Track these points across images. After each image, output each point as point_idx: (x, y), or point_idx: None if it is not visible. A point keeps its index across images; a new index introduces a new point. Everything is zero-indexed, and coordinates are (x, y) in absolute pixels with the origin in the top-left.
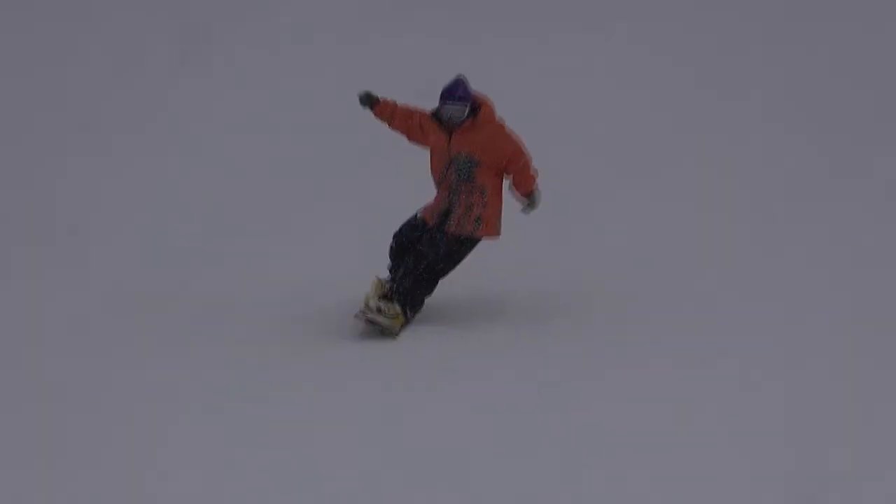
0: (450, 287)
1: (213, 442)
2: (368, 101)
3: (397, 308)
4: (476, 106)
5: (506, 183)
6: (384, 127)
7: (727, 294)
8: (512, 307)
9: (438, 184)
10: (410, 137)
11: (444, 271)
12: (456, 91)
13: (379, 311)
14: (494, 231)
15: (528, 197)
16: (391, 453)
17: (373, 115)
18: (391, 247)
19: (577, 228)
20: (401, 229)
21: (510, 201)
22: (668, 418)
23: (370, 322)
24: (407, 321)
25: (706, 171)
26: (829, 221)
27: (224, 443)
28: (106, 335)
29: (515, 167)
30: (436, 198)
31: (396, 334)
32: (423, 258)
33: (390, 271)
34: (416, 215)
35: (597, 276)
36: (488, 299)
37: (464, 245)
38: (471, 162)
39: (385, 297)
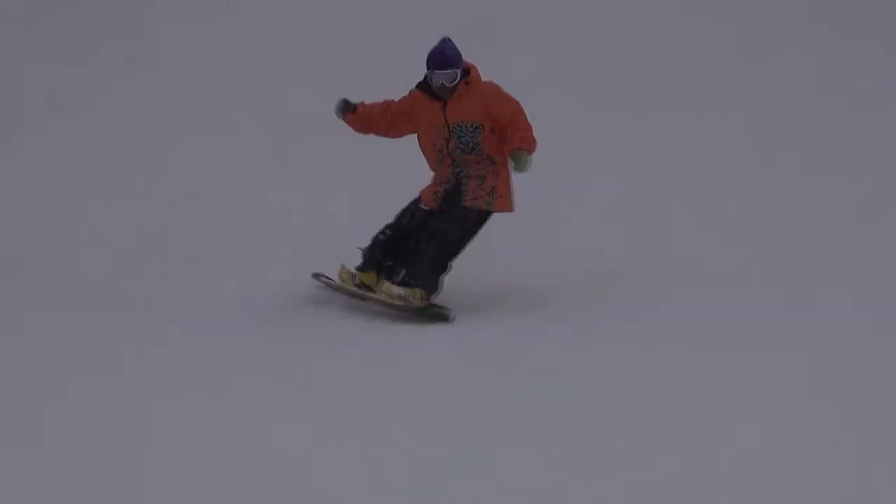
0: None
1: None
2: (347, 108)
3: (420, 292)
4: (465, 68)
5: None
6: (355, 133)
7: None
8: (516, 293)
9: (438, 163)
10: (394, 134)
11: (457, 250)
12: (445, 56)
13: (402, 298)
14: (508, 205)
15: (516, 153)
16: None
17: (346, 123)
18: (385, 235)
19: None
20: (398, 218)
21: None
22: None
23: (422, 311)
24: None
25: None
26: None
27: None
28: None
29: (513, 125)
30: (434, 179)
31: (453, 313)
32: (442, 239)
33: (365, 258)
34: (415, 202)
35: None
36: (493, 284)
37: (477, 221)
38: (473, 128)
39: (403, 283)
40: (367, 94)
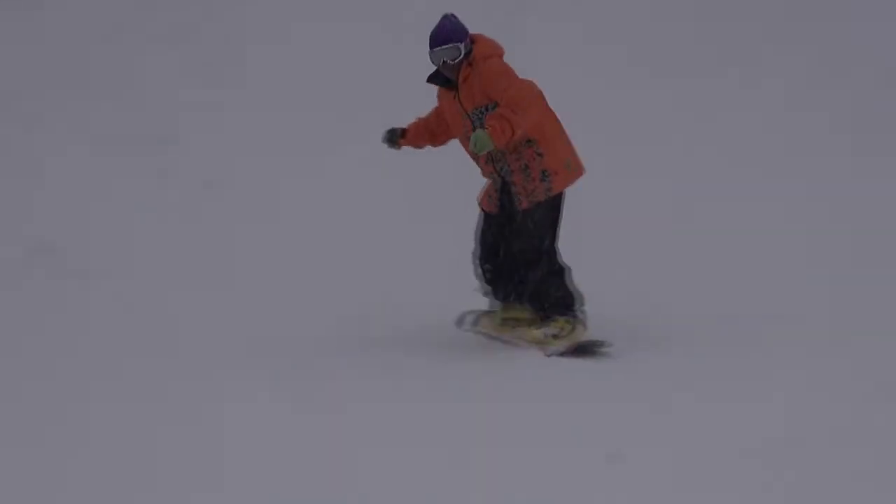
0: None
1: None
2: (395, 136)
3: (565, 319)
4: (471, 44)
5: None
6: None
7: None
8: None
9: (475, 158)
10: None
11: (552, 250)
12: (445, 31)
13: (555, 338)
14: (572, 175)
15: (480, 131)
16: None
17: (408, 147)
18: (488, 268)
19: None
20: (481, 243)
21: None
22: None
23: (577, 352)
24: (583, 322)
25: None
26: None
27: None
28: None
29: (500, 105)
30: (486, 184)
31: (608, 344)
32: (528, 256)
33: (495, 297)
34: (484, 217)
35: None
36: None
37: (549, 209)
38: (490, 110)
39: (542, 319)
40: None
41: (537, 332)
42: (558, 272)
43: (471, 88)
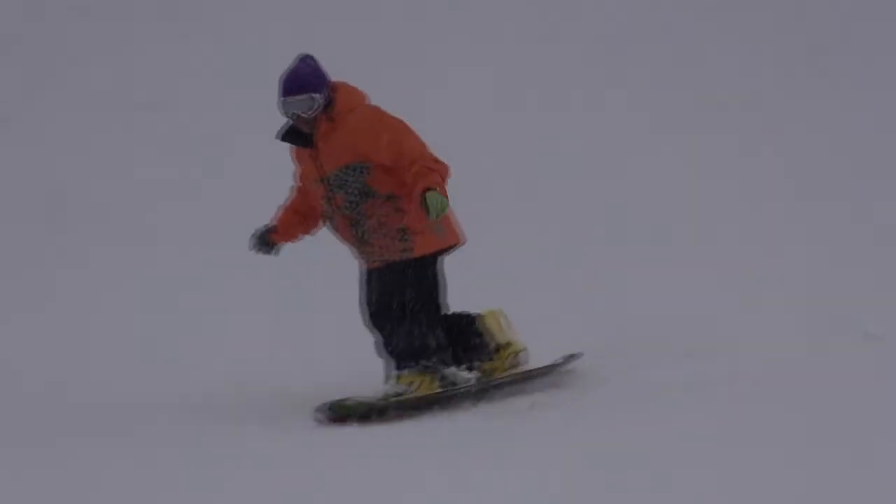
0: None
1: None
2: (264, 236)
3: (408, 372)
4: (331, 94)
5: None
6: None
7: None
8: None
9: (336, 227)
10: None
11: (430, 305)
12: (298, 78)
13: (398, 396)
14: (441, 242)
15: (422, 196)
16: None
17: (286, 242)
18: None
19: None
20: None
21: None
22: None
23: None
24: (437, 375)
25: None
26: None
27: None
28: None
29: (401, 160)
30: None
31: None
32: (380, 324)
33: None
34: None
35: None
36: None
37: (412, 273)
38: (358, 170)
39: (395, 377)
40: None
41: (382, 391)
42: (430, 325)
43: (333, 145)
